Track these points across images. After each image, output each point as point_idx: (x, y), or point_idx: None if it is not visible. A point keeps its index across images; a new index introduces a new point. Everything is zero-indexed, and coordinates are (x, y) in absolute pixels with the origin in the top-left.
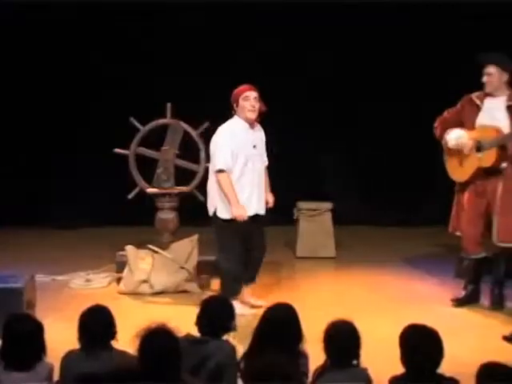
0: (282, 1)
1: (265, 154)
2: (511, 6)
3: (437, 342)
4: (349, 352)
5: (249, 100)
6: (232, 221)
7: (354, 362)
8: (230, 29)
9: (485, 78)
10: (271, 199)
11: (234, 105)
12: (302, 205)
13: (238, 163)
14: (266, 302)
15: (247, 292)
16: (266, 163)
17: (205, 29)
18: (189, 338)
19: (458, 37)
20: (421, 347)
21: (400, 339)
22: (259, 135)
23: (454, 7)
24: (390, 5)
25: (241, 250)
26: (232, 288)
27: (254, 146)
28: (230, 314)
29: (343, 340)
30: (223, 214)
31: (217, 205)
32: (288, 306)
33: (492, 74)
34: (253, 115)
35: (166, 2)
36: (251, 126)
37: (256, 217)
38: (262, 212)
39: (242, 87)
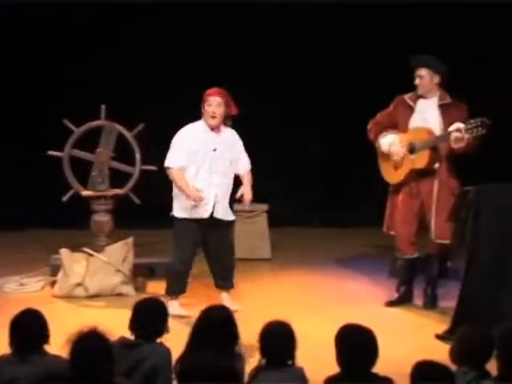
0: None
1: (240, 158)
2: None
3: (372, 342)
4: (284, 352)
5: (211, 106)
6: (187, 221)
7: (289, 362)
8: (169, 29)
9: (417, 81)
10: (247, 196)
11: (202, 107)
12: (239, 207)
13: (193, 164)
14: (241, 307)
15: (224, 297)
16: (246, 168)
17: (145, 28)
18: (123, 341)
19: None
20: (356, 347)
21: (335, 339)
22: (224, 139)
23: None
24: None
25: (193, 251)
26: (175, 287)
27: (215, 150)
28: (163, 316)
29: (278, 340)
30: (178, 212)
31: (174, 204)
32: (223, 307)
33: (423, 77)
34: (213, 121)
35: (103, 2)
36: (215, 129)
37: (214, 220)
38: (222, 216)
39: (209, 91)
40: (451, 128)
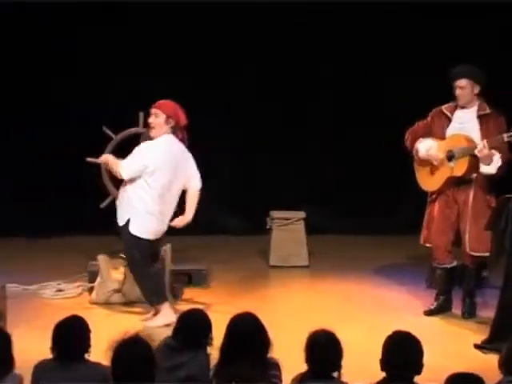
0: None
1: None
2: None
3: (418, 351)
4: (330, 363)
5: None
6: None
7: (335, 374)
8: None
9: (457, 92)
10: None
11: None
12: (276, 214)
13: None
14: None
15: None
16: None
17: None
18: (167, 342)
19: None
20: (402, 354)
21: (384, 344)
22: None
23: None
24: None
25: None
26: (163, 291)
27: None
28: (207, 328)
29: (326, 350)
30: (139, 232)
31: (136, 221)
32: (250, 314)
33: (464, 87)
34: (151, 132)
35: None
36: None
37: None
38: None
39: None
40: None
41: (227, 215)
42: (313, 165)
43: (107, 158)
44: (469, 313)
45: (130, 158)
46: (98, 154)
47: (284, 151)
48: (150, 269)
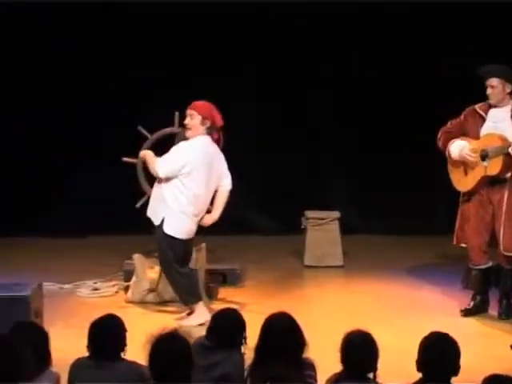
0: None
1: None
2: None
3: (456, 352)
4: (366, 363)
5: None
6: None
7: (370, 374)
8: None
9: (489, 91)
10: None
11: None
12: (310, 214)
13: None
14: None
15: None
16: None
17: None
18: (201, 341)
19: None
20: (441, 355)
21: (420, 344)
22: None
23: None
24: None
25: None
26: (198, 291)
27: None
28: (241, 327)
29: (361, 351)
30: (178, 233)
31: (174, 222)
32: (286, 314)
33: (495, 87)
34: (187, 133)
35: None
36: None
37: None
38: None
39: None
40: None
41: (261, 215)
42: (348, 166)
43: (145, 154)
44: (505, 314)
45: (167, 156)
46: (134, 154)
47: (318, 153)
48: (183, 268)
